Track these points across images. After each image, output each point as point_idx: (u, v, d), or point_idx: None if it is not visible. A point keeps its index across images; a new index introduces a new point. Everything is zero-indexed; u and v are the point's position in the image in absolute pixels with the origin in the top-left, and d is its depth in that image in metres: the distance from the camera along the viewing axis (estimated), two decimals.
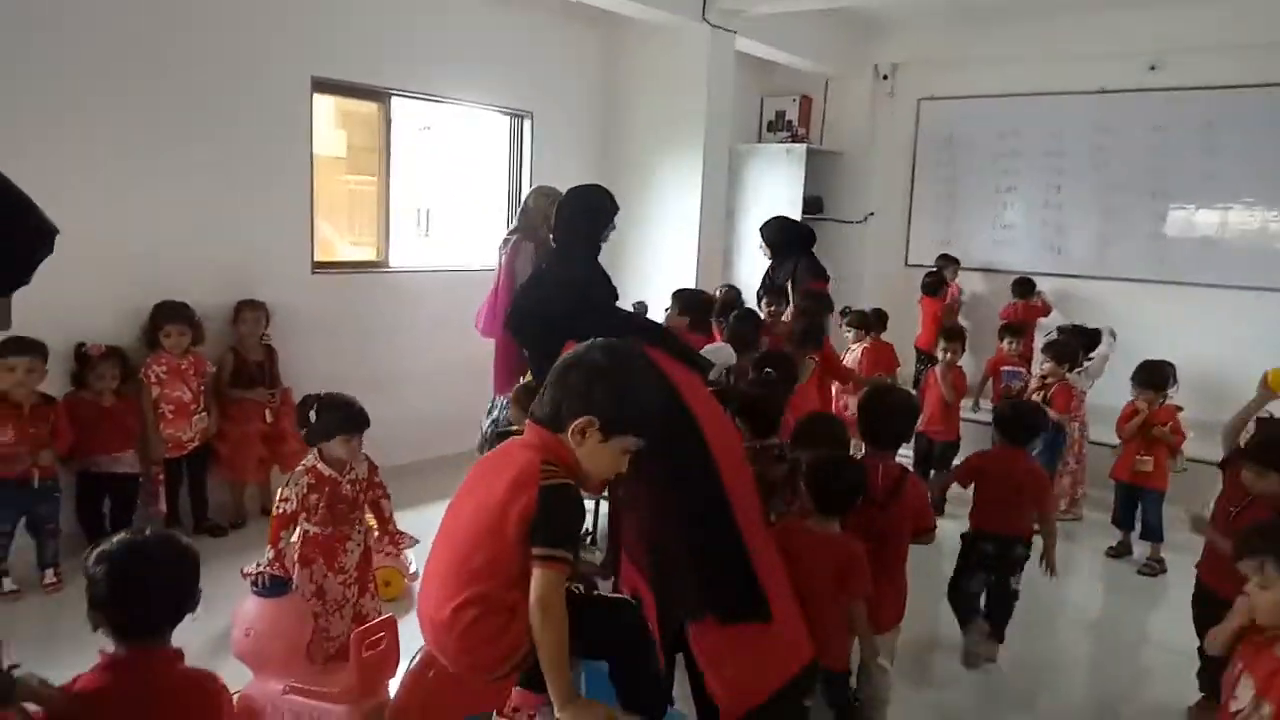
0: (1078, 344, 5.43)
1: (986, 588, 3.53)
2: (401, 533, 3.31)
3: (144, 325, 4.18)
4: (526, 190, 6.38)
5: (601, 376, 1.75)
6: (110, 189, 4.13)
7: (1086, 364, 5.49)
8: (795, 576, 2.54)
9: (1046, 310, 6.92)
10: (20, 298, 2.45)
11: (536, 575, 1.64)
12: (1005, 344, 5.92)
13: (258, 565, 2.79)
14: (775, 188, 7.31)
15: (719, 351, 4.29)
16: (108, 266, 4.04)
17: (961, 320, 6.88)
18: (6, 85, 3.78)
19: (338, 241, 5.84)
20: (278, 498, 2.88)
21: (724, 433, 2.67)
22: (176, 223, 4.37)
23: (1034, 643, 3.80)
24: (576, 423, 1.73)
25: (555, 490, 1.69)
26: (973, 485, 3.60)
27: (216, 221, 4.51)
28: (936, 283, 7.10)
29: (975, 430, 5.58)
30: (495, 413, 4.47)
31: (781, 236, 5.87)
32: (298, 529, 2.88)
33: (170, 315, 4.16)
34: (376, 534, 3.16)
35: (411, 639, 2.57)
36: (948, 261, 7.28)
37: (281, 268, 4.84)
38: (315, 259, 5.06)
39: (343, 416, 2.86)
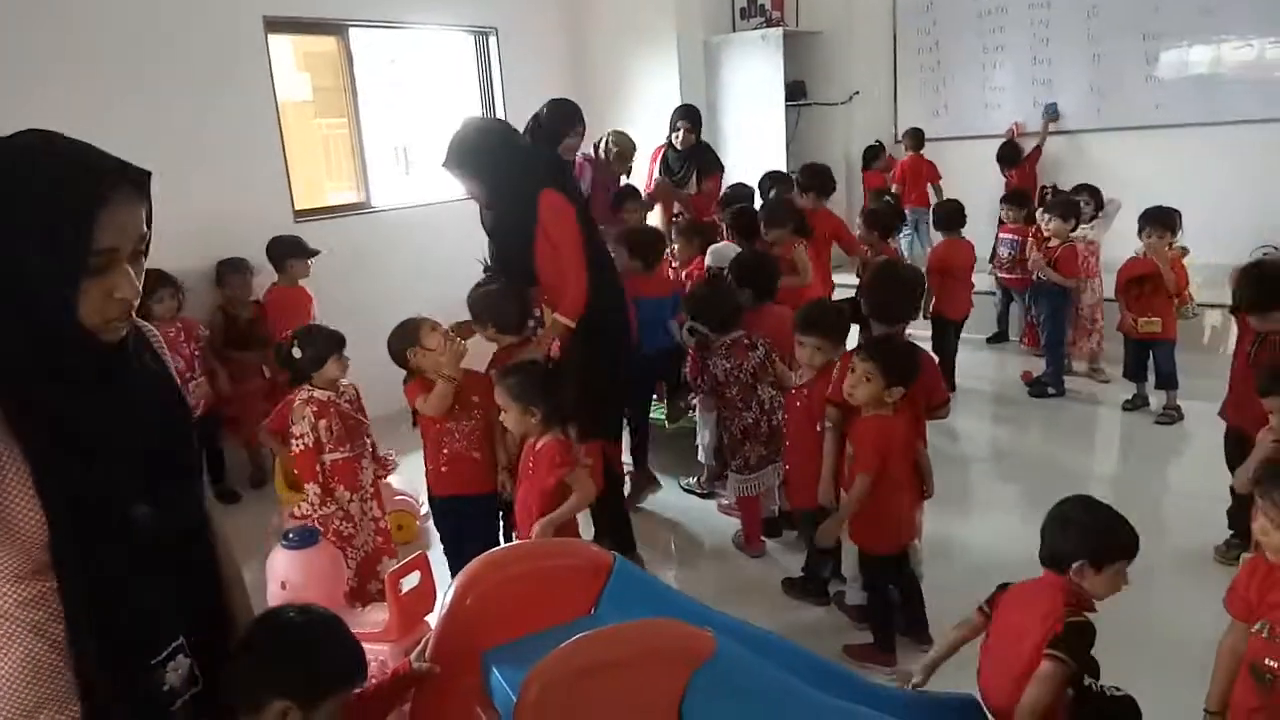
0: (1079, 202, 5.32)
1: None
2: (386, 456, 3.34)
3: None
4: (500, 110, 6.24)
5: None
6: None
7: (1100, 216, 5.37)
8: (885, 463, 2.66)
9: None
10: None
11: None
12: (1004, 212, 5.81)
13: (296, 513, 2.89)
14: (755, 77, 7.07)
15: (722, 250, 4.29)
16: None
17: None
18: None
19: (325, 185, 5.72)
20: (294, 436, 2.91)
21: None
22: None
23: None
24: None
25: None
26: None
27: (185, 181, 4.38)
28: (874, 154, 7.41)
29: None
30: None
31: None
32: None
33: (153, 283, 4.09)
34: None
35: (442, 575, 2.63)
36: (909, 135, 7.20)
37: (262, 220, 4.74)
38: (297, 207, 4.96)
39: (325, 337, 2.96)
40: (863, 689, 2.09)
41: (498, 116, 3.14)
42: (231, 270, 4.43)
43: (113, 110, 4.11)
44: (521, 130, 4.02)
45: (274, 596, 2.61)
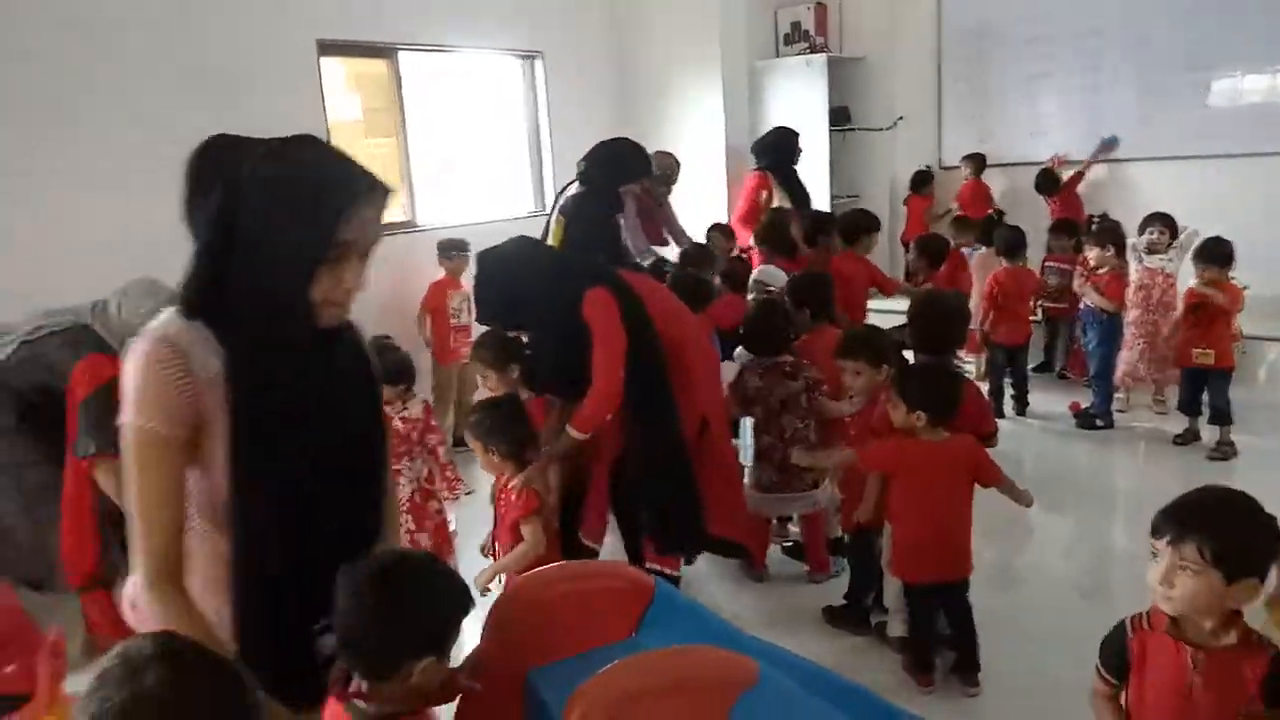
0: (1118, 229, 5.22)
1: None
2: (457, 477, 3.37)
3: None
4: (545, 132, 6.31)
5: None
6: (118, 178, 4.12)
7: (1174, 247, 5.24)
8: (920, 489, 2.63)
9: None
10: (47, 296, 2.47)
11: None
12: (1051, 241, 5.72)
13: None
14: (799, 102, 7.07)
15: (770, 272, 4.29)
16: (126, 258, 4.05)
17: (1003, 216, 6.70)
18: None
19: None
20: None
21: (703, 360, 2.99)
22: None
23: (1103, 538, 3.76)
24: None
25: None
26: None
27: None
28: (922, 180, 7.29)
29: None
30: None
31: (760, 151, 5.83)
32: None
33: None
34: (428, 474, 3.23)
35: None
36: (971, 160, 7.08)
37: None
38: None
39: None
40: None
41: (515, 239, 2.99)
42: None
43: (167, 127, 4.20)
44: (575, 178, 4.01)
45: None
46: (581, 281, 2.81)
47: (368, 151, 5.99)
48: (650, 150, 5.28)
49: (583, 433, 2.76)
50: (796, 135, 5.99)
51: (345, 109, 5.74)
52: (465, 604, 1.50)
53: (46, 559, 3.04)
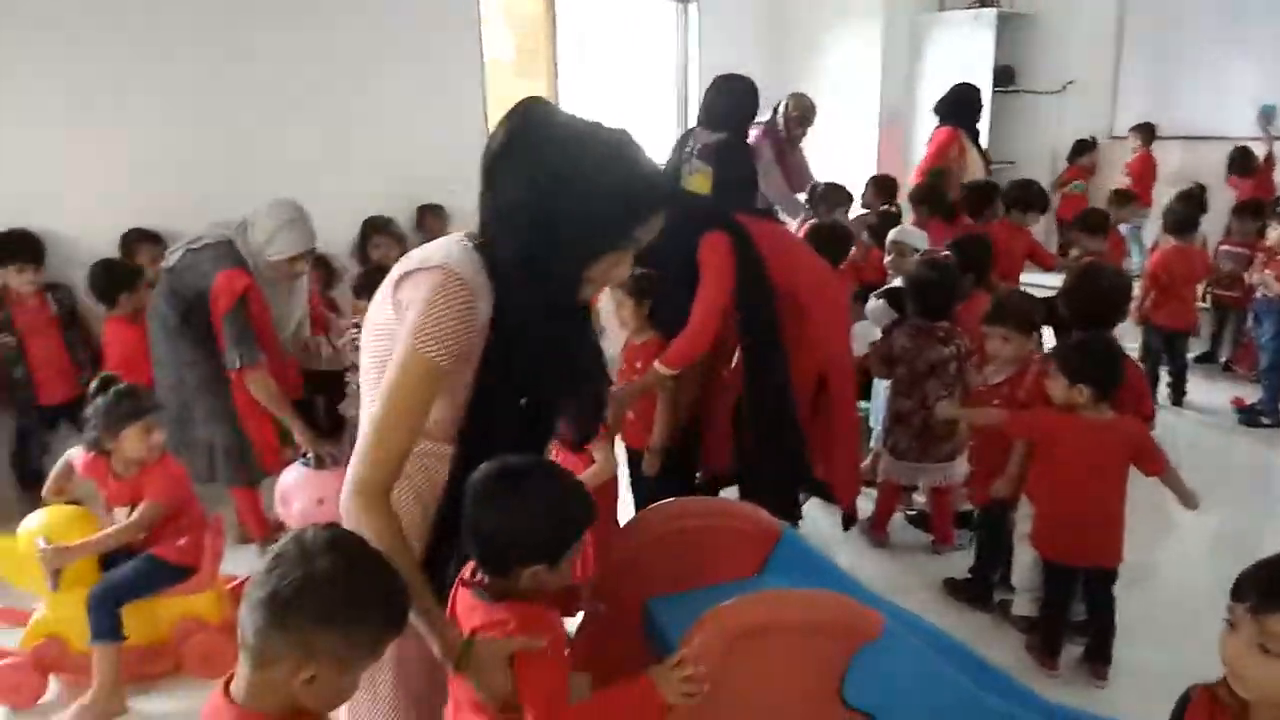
0: None
1: None
2: None
3: (354, 240, 4.41)
4: (694, 82, 6.24)
5: None
6: (293, 103, 4.33)
7: None
8: (1072, 466, 2.51)
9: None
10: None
11: None
12: (1233, 223, 5.28)
13: None
14: (961, 59, 6.72)
15: (909, 233, 4.16)
16: (307, 180, 4.26)
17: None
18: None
19: None
20: None
21: (827, 314, 2.91)
22: (349, 133, 4.53)
23: (1256, 542, 3.50)
24: None
25: None
26: None
27: (390, 128, 4.64)
28: (1082, 149, 6.87)
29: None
30: None
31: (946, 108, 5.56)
32: None
33: (378, 227, 4.37)
34: None
35: None
36: (1140, 131, 6.58)
37: (459, 171, 4.93)
38: None
39: None
40: (1022, 696, 1.98)
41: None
42: (433, 215, 4.68)
43: (326, 57, 4.39)
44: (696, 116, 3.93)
45: (307, 515, 2.87)
46: (700, 225, 2.81)
47: (519, 91, 6.08)
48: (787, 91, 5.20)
49: (669, 368, 2.76)
50: (980, 92, 5.74)
51: (498, 47, 5.84)
52: (581, 518, 1.52)
53: (207, 453, 3.29)
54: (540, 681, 1.39)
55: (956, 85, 5.82)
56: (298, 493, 3.06)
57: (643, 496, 2.96)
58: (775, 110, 5.06)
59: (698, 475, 3.18)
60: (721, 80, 3.63)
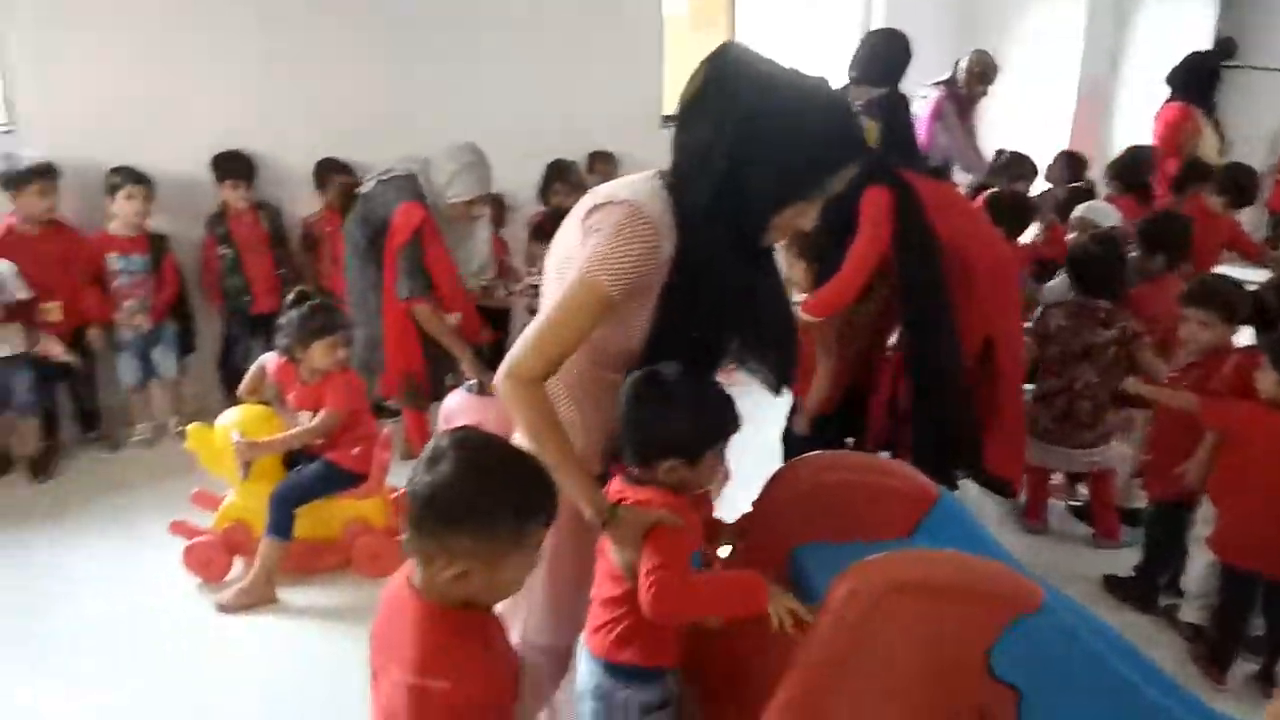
0: None
1: None
2: None
3: (539, 184, 4.54)
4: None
5: None
6: (479, 51, 4.46)
7: None
8: (1274, 469, 2.33)
9: None
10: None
11: None
12: None
13: None
14: (1177, 29, 6.19)
15: (1098, 209, 3.93)
16: (489, 122, 4.40)
17: None
18: None
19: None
20: None
21: (994, 278, 2.75)
22: (531, 79, 4.63)
23: None
24: None
25: None
26: None
27: (569, 74, 4.72)
28: None
29: None
30: None
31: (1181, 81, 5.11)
32: None
33: (561, 172, 4.48)
34: None
35: None
36: None
37: (633, 121, 5.00)
38: (664, 113, 5.16)
39: None
40: (1186, 700, 1.85)
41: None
42: (602, 161, 4.76)
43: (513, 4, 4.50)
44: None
45: None
46: (862, 180, 2.71)
47: (694, 45, 6.05)
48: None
49: (811, 315, 2.70)
50: (1217, 61, 5.29)
51: (677, 3, 5.82)
52: (721, 424, 1.57)
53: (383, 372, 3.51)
54: (667, 546, 1.47)
55: (1190, 54, 5.36)
56: (460, 416, 3.21)
57: (793, 451, 2.94)
58: (956, 66, 4.83)
59: (849, 441, 3.12)
60: (875, 35, 3.51)
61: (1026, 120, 5.76)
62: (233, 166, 3.91)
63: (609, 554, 1.56)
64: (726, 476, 2.11)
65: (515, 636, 1.72)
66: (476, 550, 1.20)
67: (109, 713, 2.36)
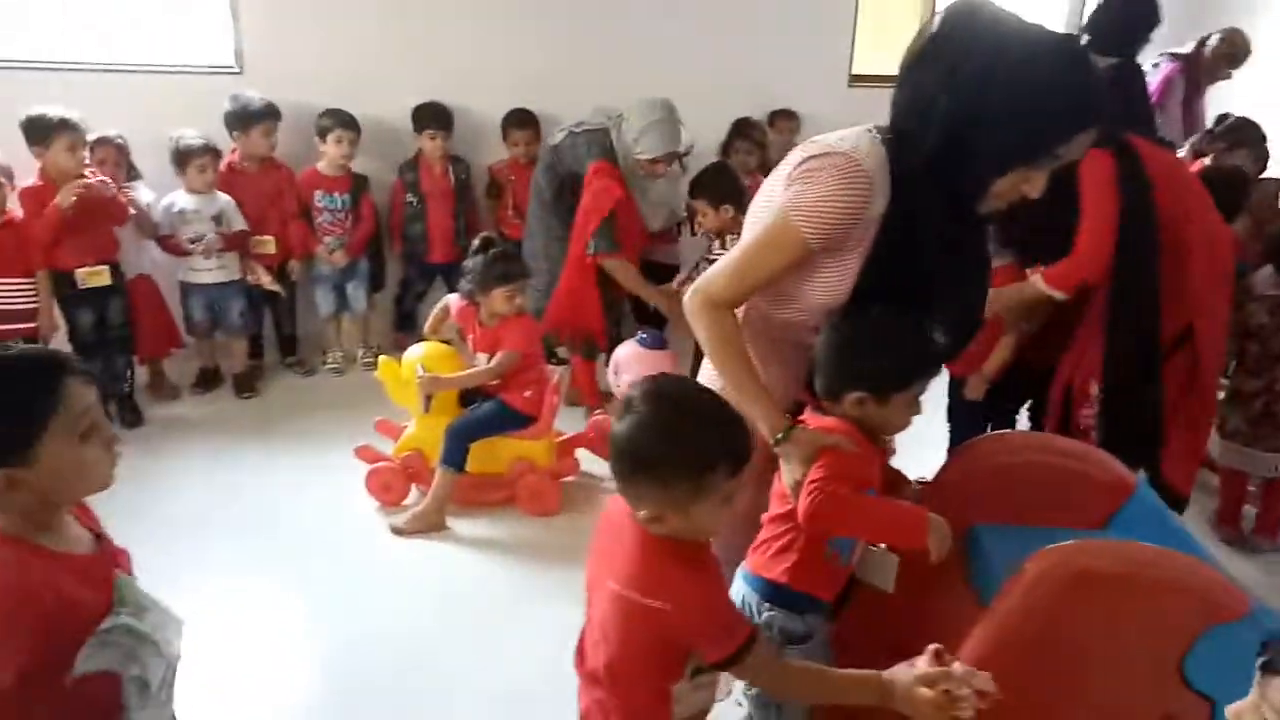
0: None
1: None
2: None
3: (720, 141, 4.51)
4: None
5: None
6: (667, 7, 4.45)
7: None
8: None
9: None
10: None
11: None
12: None
13: None
14: None
15: None
16: (675, 75, 4.36)
17: None
18: None
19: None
20: None
21: (1206, 260, 2.48)
22: (720, 35, 4.57)
23: None
24: None
25: None
26: None
27: (751, 32, 4.63)
28: None
29: None
30: None
31: None
32: None
33: (742, 131, 4.42)
34: None
35: None
36: None
37: (816, 80, 4.86)
38: (853, 72, 4.99)
39: None
40: None
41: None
42: (784, 118, 4.69)
43: None
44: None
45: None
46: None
47: (888, 3, 5.76)
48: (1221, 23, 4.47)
49: (1054, 288, 2.49)
50: None
51: None
52: (917, 366, 1.56)
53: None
54: (835, 462, 1.46)
55: None
56: (628, 367, 3.28)
57: (959, 422, 2.83)
58: (1202, 44, 4.39)
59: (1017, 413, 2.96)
60: None
61: (1269, 103, 5.18)
62: (434, 117, 4.08)
63: (780, 475, 1.56)
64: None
65: None
66: (660, 498, 1.23)
67: (292, 614, 2.58)
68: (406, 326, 4.41)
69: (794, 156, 1.53)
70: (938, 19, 1.41)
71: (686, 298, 1.56)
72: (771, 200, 1.55)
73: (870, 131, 1.48)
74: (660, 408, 1.26)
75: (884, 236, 1.46)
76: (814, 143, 1.51)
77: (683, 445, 1.24)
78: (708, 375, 1.67)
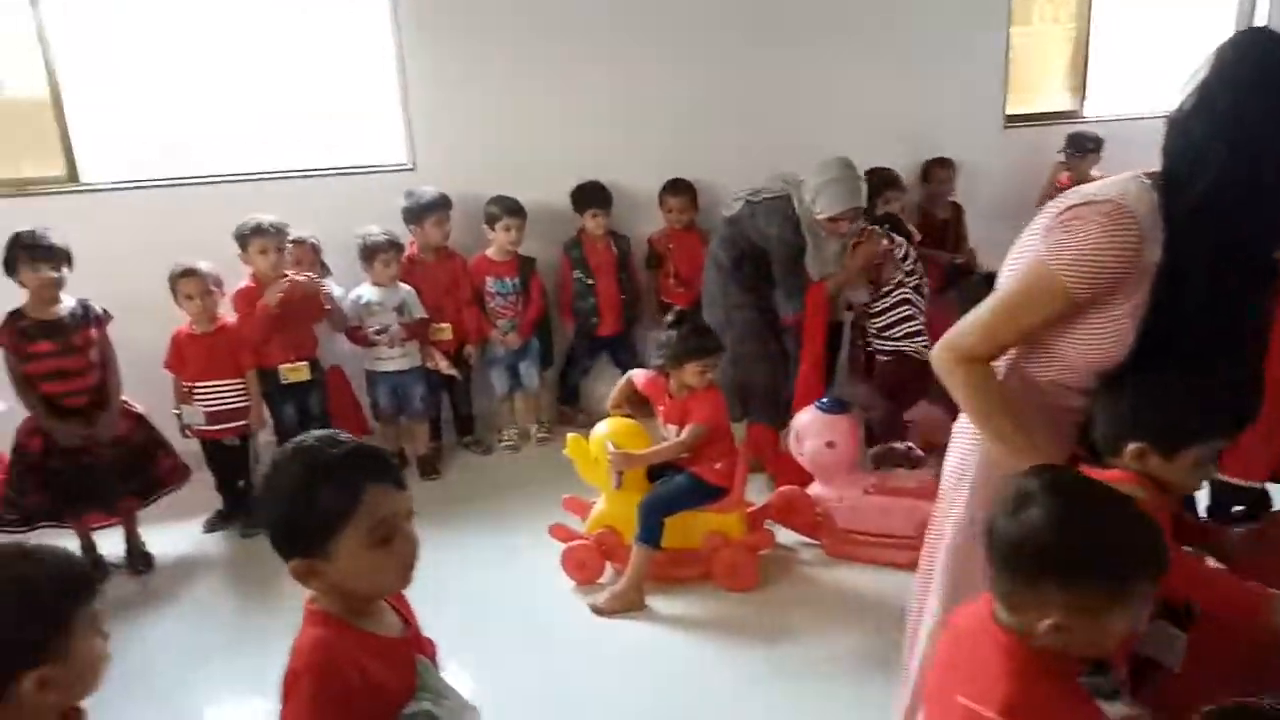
0: None
1: None
2: None
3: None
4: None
5: None
6: (817, 62, 4.46)
7: None
8: None
9: None
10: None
11: None
12: None
13: None
14: None
15: None
16: (820, 131, 4.35)
17: None
18: None
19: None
20: None
21: None
22: (873, 84, 4.54)
23: None
24: None
25: None
26: None
27: (901, 78, 4.58)
28: None
29: None
30: None
31: None
32: None
33: (889, 182, 4.33)
34: None
35: None
36: None
37: (970, 123, 4.75)
38: (1008, 112, 4.84)
39: None
40: None
41: None
42: (940, 167, 4.56)
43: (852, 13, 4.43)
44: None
45: (816, 454, 3.15)
46: None
47: (1040, 41, 5.57)
48: None
49: None
50: None
51: None
52: (1212, 419, 1.46)
53: (741, 391, 3.57)
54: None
55: None
56: (809, 433, 3.20)
57: None
58: None
59: None
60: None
61: None
62: (593, 197, 4.19)
63: None
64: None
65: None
66: (1068, 602, 1.12)
67: (497, 696, 2.57)
68: (570, 400, 4.48)
69: (1052, 207, 1.46)
70: (1216, 53, 1.33)
71: (936, 351, 1.51)
72: (1025, 253, 1.48)
73: (1139, 177, 1.39)
74: (1077, 501, 1.16)
75: (1160, 288, 1.36)
76: (1075, 193, 1.44)
77: (1108, 542, 1.13)
78: (963, 431, 1.60)
